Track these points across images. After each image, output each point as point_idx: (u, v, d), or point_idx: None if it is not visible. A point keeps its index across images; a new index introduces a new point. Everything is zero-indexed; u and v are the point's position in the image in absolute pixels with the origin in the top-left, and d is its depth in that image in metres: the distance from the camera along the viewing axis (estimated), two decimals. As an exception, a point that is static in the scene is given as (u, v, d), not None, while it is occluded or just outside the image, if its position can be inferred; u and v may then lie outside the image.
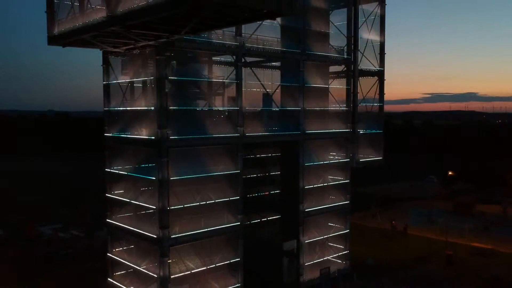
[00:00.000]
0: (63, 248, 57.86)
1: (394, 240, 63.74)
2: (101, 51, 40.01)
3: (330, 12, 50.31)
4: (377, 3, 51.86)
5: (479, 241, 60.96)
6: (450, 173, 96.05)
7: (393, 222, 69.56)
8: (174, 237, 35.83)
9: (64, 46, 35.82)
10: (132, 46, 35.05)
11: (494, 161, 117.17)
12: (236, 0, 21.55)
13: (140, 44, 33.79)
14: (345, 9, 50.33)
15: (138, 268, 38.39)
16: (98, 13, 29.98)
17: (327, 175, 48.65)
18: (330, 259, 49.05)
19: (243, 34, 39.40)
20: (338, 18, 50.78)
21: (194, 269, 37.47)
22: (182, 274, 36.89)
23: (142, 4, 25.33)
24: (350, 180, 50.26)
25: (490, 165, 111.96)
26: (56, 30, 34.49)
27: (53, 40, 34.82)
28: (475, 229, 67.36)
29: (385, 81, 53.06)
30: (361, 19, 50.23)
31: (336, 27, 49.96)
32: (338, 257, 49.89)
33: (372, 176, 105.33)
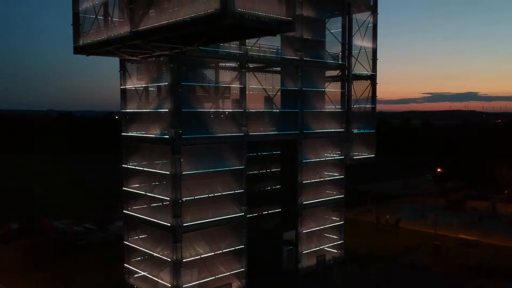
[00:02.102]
0: (78, 240, 62.31)
1: (386, 233, 68.05)
2: (118, 58, 44.39)
3: (327, 21, 54.48)
4: (369, 12, 55.98)
5: (466, 233, 65.23)
6: (438, 170, 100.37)
7: (388, 216, 73.79)
8: (186, 225, 40.15)
9: (88, 55, 40.17)
10: (148, 55, 39.38)
11: (488, 160, 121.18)
12: (243, 23, 25.97)
13: (156, 54, 38.13)
14: (340, 18, 54.53)
15: (153, 253, 42.72)
16: (121, 28, 34.38)
17: (323, 171, 52.91)
18: (326, 248, 53.36)
19: (246, 43, 43.70)
20: (334, 26, 54.90)
21: (203, 254, 41.82)
22: (193, 258, 41.23)
23: (163, 23, 29.69)
24: (345, 176, 54.56)
25: (483, 164, 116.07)
26: (81, 41, 38.85)
27: (78, 50, 39.23)
28: (464, 223, 71.58)
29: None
30: (355, 27, 54.46)
31: (332, 34, 54.04)
32: (333, 247, 54.19)
33: (370, 175, 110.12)
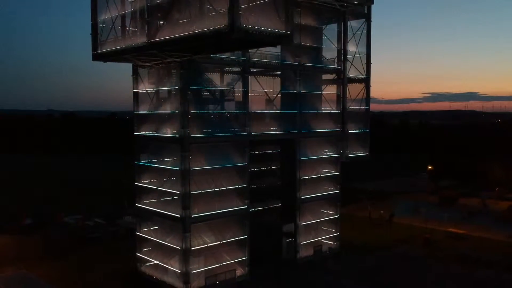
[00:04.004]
0: (91, 233, 66.38)
1: (380, 227, 71.98)
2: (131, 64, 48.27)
3: (323, 27, 58.26)
4: (363, 20, 59.79)
5: (456, 227, 69.18)
6: (429, 167, 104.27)
7: (382, 211, 77.72)
8: (194, 216, 44.13)
9: (105, 61, 44.17)
10: (160, 62, 43.34)
11: (481, 159, 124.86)
12: (248, 37, 29.98)
13: (168, 60, 42.08)
14: (336, 25, 58.23)
15: (164, 242, 46.63)
16: (137, 38, 38.36)
17: (320, 168, 56.87)
18: (322, 240, 57.29)
19: (249, 50, 47.46)
20: (330, 33, 58.59)
21: (209, 243, 45.81)
22: (200, 247, 45.22)
23: (178, 35, 33.66)
24: (341, 173, 58.41)
25: (476, 163, 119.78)
26: (99, 49, 42.82)
27: (97, 57, 43.30)
28: (454, 218, 75.42)
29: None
30: (350, 34, 58.23)
31: (329, 39, 57.88)
32: (330, 239, 58.14)
33: (368, 173, 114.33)
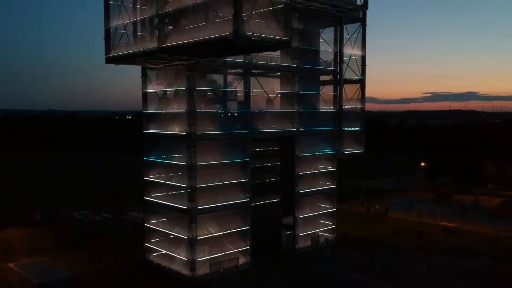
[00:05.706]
0: (99, 226, 69.70)
1: (376, 221, 75.27)
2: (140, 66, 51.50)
3: (321, 31, 61.49)
4: (359, 23, 62.94)
5: (448, 222, 72.35)
6: (422, 164, 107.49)
7: (377, 206, 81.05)
8: (200, 208, 47.37)
9: (117, 64, 47.48)
10: (168, 64, 46.61)
11: (476, 157, 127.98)
12: (251, 43, 33.30)
13: (175, 63, 45.35)
14: (332, 28, 61.38)
15: (171, 233, 49.91)
16: (148, 43, 41.63)
17: (317, 164, 60.11)
18: (320, 232, 60.53)
19: (250, 54, 50.74)
20: (327, 36, 61.75)
21: (214, 234, 49.05)
22: (205, 237, 48.43)
23: (187, 41, 36.96)
24: (337, 168, 61.63)
25: (471, 161, 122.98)
26: (112, 53, 46.10)
27: (110, 60, 46.54)
28: (448, 214, 78.61)
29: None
30: (346, 37, 61.42)
31: (326, 42, 60.99)
32: (327, 231, 61.38)
33: (367, 172, 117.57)
